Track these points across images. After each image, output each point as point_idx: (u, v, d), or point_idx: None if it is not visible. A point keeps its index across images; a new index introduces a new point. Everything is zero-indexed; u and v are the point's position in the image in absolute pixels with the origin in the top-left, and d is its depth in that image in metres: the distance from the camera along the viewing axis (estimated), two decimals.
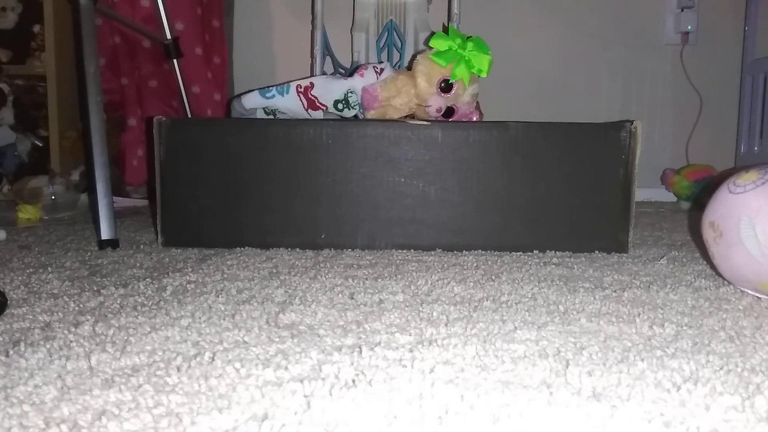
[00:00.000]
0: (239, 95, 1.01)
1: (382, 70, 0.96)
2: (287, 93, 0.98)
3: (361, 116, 0.97)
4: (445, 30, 0.93)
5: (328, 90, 0.97)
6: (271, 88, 0.99)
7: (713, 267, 0.66)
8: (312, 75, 1.59)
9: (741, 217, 0.58)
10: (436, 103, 0.92)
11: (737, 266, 0.60)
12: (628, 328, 0.50)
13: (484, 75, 0.92)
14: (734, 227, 0.58)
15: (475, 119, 0.98)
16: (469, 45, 0.91)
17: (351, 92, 0.95)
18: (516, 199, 0.87)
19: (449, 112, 0.95)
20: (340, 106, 0.97)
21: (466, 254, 0.84)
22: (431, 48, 0.92)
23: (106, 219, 0.87)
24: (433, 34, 0.93)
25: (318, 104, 0.97)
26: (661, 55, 1.81)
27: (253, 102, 0.99)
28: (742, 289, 0.63)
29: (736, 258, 0.59)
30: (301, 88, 0.97)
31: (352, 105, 0.96)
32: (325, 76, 1.09)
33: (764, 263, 0.56)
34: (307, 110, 0.99)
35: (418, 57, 0.94)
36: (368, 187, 0.87)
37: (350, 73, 1.01)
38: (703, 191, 1.43)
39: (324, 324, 0.51)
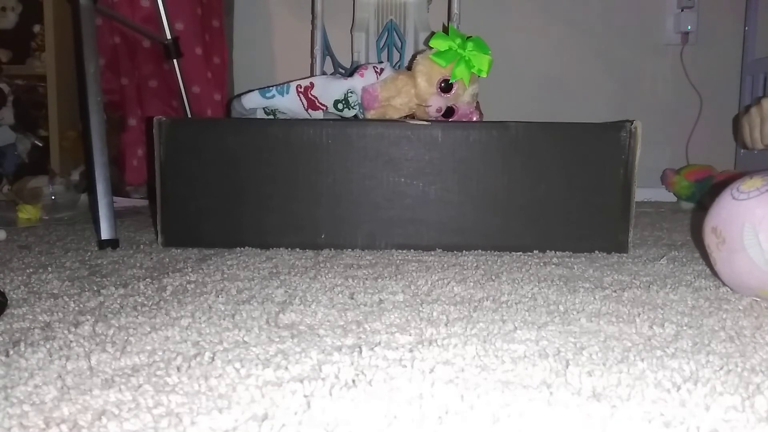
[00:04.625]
0: (239, 95, 1.01)
1: (382, 70, 0.96)
2: (287, 93, 0.98)
3: (361, 116, 0.97)
4: (445, 30, 0.93)
5: (328, 90, 0.97)
6: (271, 88, 0.99)
7: (714, 271, 0.66)
8: (312, 75, 1.59)
9: (744, 224, 0.57)
10: (436, 103, 0.92)
11: (739, 273, 0.59)
12: (628, 328, 0.50)
13: (484, 75, 0.92)
14: (737, 234, 0.58)
15: (475, 119, 0.98)
16: (469, 45, 0.91)
17: (351, 92, 0.95)
18: (516, 199, 0.87)
19: (449, 112, 0.95)
20: (340, 106, 0.97)
21: (466, 254, 0.84)
22: (431, 48, 0.92)
23: (106, 219, 0.87)
24: (433, 34, 0.93)
25: (318, 104, 0.97)
26: (661, 55, 1.81)
27: (253, 102, 0.99)
28: (744, 295, 0.63)
29: (738, 265, 0.59)
30: (301, 88, 0.97)
31: (352, 105, 0.96)
32: (325, 76, 1.09)
33: (767, 271, 0.56)
34: (307, 110, 0.99)
35: (418, 57, 0.94)
36: (368, 187, 0.87)
37: (350, 73, 1.01)
38: (703, 192, 1.42)
39: (324, 324, 0.51)
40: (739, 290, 0.63)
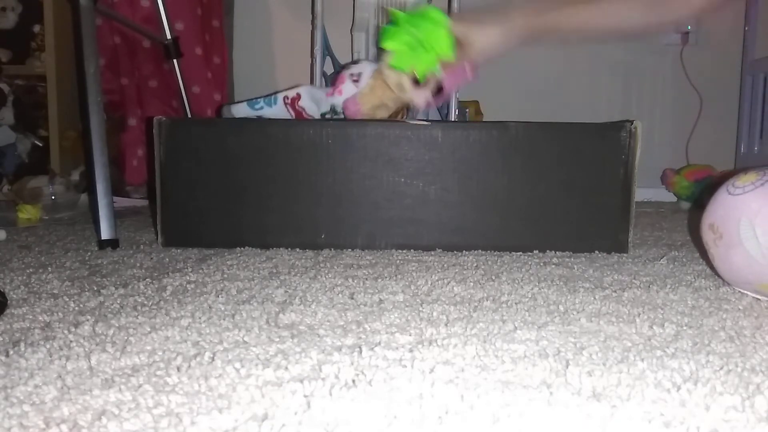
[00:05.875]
0: (229, 104, 1.00)
1: (360, 75, 0.92)
2: (275, 104, 0.96)
3: None
4: (391, 20, 0.83)
5: (314, 101, 0.95)
6: (258, 99, 0.97)
7: (713, 268, 0.66)
8: (312, 75, 1.59)
9: (741, 219, 0.57)
10: (420, 98, 0.87)
11: (737, 268, 0.60)
12: (628, 328, 0.50)
13: (450, 59, 0.81)
14: (734, 229, 0.58)
15: (468, 71, 0.86)
16: (419, 26, 0.80)
17: (335, 107, 0.94)
18: (516, 199, 0.87)
19: (438, 90, 0.89)
20: (327, 116, 0.96)
21: (466, 254, 0.84)
22: (387, 50, 0.83)
23: (106, 219, 0.87)
24: (382, 30, 0.85)
25: (305, 116, 0.96)
26: (661, 55, 1.81)
27: (242, 113, 0.98)
28: (742, 290, 0.63)
29: (736, 259, 0.59)
30: (288, 99, 0.96)
31: (339, 114, 0.95)
32: (309, 86, 1.05)
33: (764, 264, 0.56)
34: None
35: (382, 67, 0.86)
36: (368, 187, 0.87)
37: (330, 83, 0.97)
38: (703, 191, 1.43)
39: (324, 324, 0.51)
40: (737, 285, 0.63)
